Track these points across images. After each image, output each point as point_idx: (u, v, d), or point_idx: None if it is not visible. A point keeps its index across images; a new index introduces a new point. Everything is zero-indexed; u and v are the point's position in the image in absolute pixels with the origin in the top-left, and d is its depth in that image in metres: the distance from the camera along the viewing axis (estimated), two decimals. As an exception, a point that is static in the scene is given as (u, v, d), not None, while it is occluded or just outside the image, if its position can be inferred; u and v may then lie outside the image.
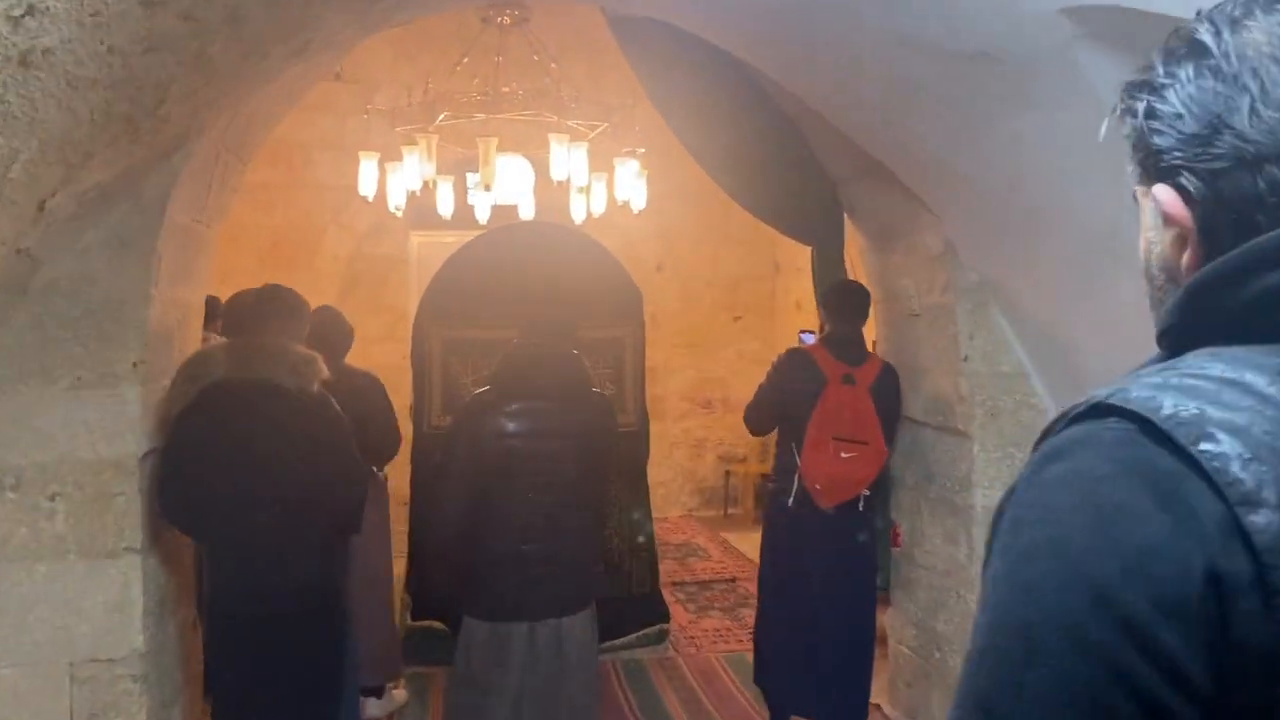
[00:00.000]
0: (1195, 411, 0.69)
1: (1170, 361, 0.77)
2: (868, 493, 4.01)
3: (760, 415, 4.14)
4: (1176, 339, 0.80)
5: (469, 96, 6.11)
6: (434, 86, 6.05)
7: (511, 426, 3.22)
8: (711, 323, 9.21)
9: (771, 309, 9.29)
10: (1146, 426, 0.70)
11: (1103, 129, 0.89)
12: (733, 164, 4.60)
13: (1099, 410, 0.73)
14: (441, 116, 6.10)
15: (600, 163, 6.79)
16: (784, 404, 4.00)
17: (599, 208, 6.93)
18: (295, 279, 8.15)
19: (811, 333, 4.38)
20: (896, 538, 4.34)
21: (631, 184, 6.60)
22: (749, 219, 9.59)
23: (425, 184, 5.98)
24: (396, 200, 6.59)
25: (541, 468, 3.24)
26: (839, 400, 3.92)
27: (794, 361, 4.01)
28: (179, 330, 3.75)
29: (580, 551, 3.34)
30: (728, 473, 9.07)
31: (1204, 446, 0.67)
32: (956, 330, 3.88)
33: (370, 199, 6.49)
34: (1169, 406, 0.70)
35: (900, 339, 4.32)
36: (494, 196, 6.37)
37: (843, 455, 3.87)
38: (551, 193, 7.79)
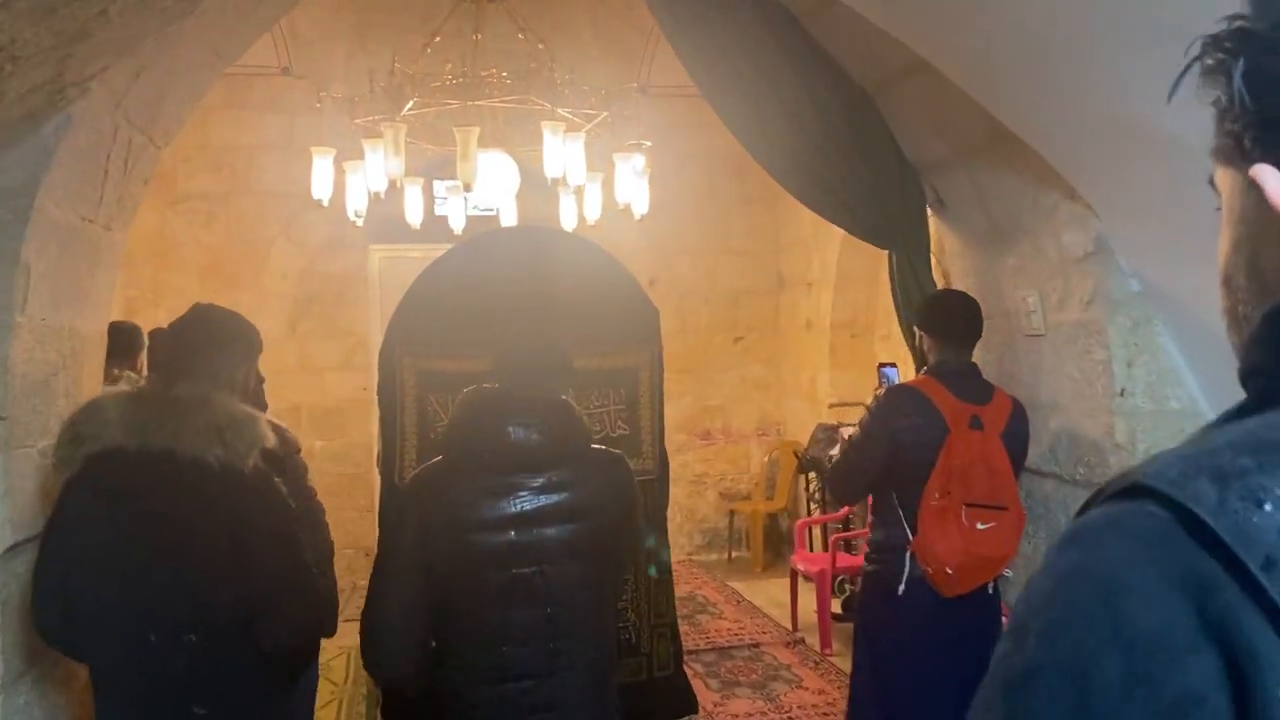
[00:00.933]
0: (1268, 509, 0.54)
1: (1254, 418, 0.61)
2: (1009, 573, 3.06)
3: (855, 479, 3.15)
4: (1269, 383, 0.64)
5: (441, 81, 5.11)
6: (401, 67, 5.05)
7: (476, 514, 2.22)
8: (710, 344, 8.26)
9: (776, 328, 8.35)
10: (1188, 518, 0.55)
11: (1173, 88, 0.69)
12: (790, 152, 3.66)
13: (1135, 490, 0.59)
14: (410, 104, 5.10)
15: (593, 160, 5.81)
16: (891, 460, 3.03)
17: (594, 213, 5.95)
18: (238, 300, 7.11)
19: (893, 366, 3.41)
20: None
21: (633, 184, 5.63)
22: (750, 227, 8.79)
23: (392, 184, 4.96)
24: (356, 205, 5.57)
25: (525, 572, 2.24)
26: (968, 452, 2.97)
27: (902, 402, 3.05)
28: (65, 371, 2.72)
29: (590, 690, 2.32)
30: (731, 512, 8.10)
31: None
32: (1108, 355, 2.95)
33: (325, 204, 5.46)
34: (1228, 496, 0.55)
35: (1013, 367, 3.39)
36: (472, 201, 5.38)
37: (979, 526, 2.92)
38: (533, 198, 6.82)
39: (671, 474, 7.98)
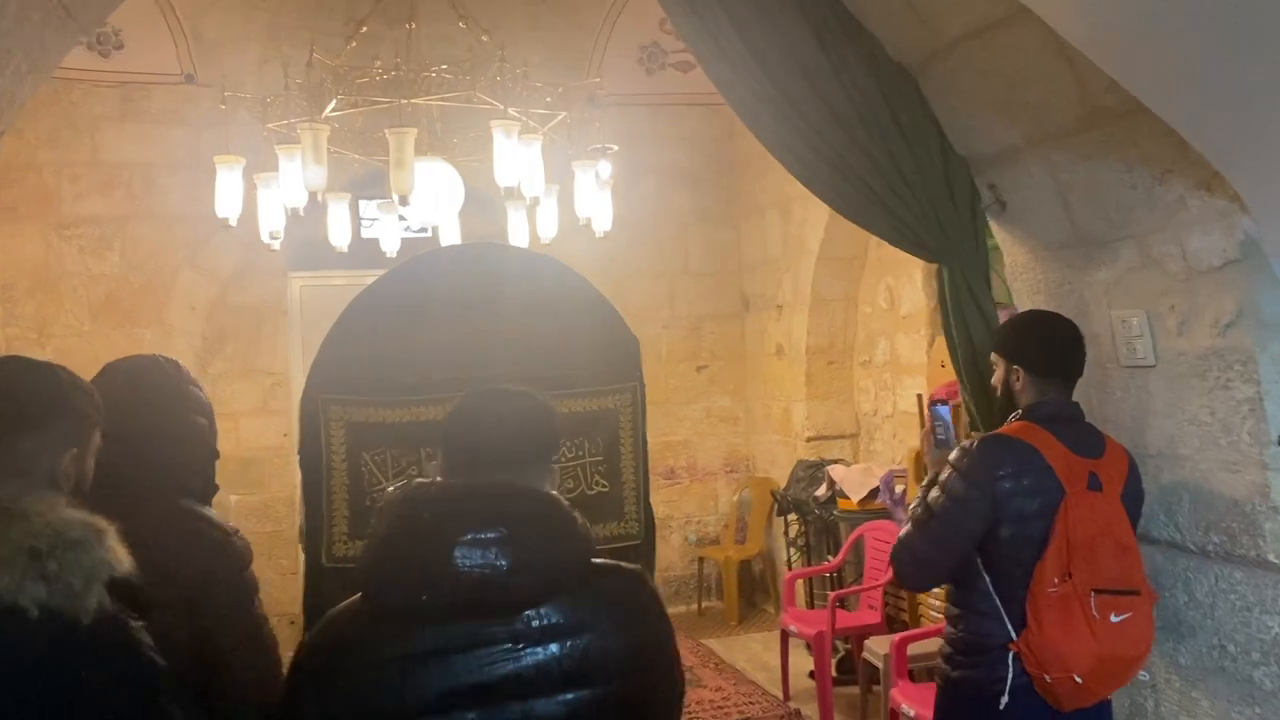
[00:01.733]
0: None
1: None
2: (1145, 675, 2.35)
3: (939, 559, 2.39)
4: None
5: (370, 76, 4.32)
6: (321, 58, 4.25)
7: (411, 693, 1.45)
8: (671, 374, 7.53)
9: (742, 355, 7.66)
10: None
11: None
12: (816, 140, 2.94)
13: None
14: (332, 104, 4.30)
15: (548, 170, 5.06)
16: (989, 534, 2.32)
17: (550, 230, 5.19)
18: (139, 338, 6.17)
19: (945, 403, 2.70)
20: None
21: (595, 196, 4.88)
22: (711, 246, 8.03)
23: (313, 199, 4.14)
24: (271, 225, 4.74)
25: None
26: (1091, 521, 2.28)
27: (1004, 456, 2.34)
28: None
29: None
30: (700, 559, 7.36)
31: None
32: (1257, 392, 2.29)
33: (233, 224, 4.61)
34: None
35: (1107, 408, 2.70)
36: (408, 219, 4.60)
37: (1113, 619, 2.21)
38: (477, 217, 6.03)
39: (633, 519, 7.23)
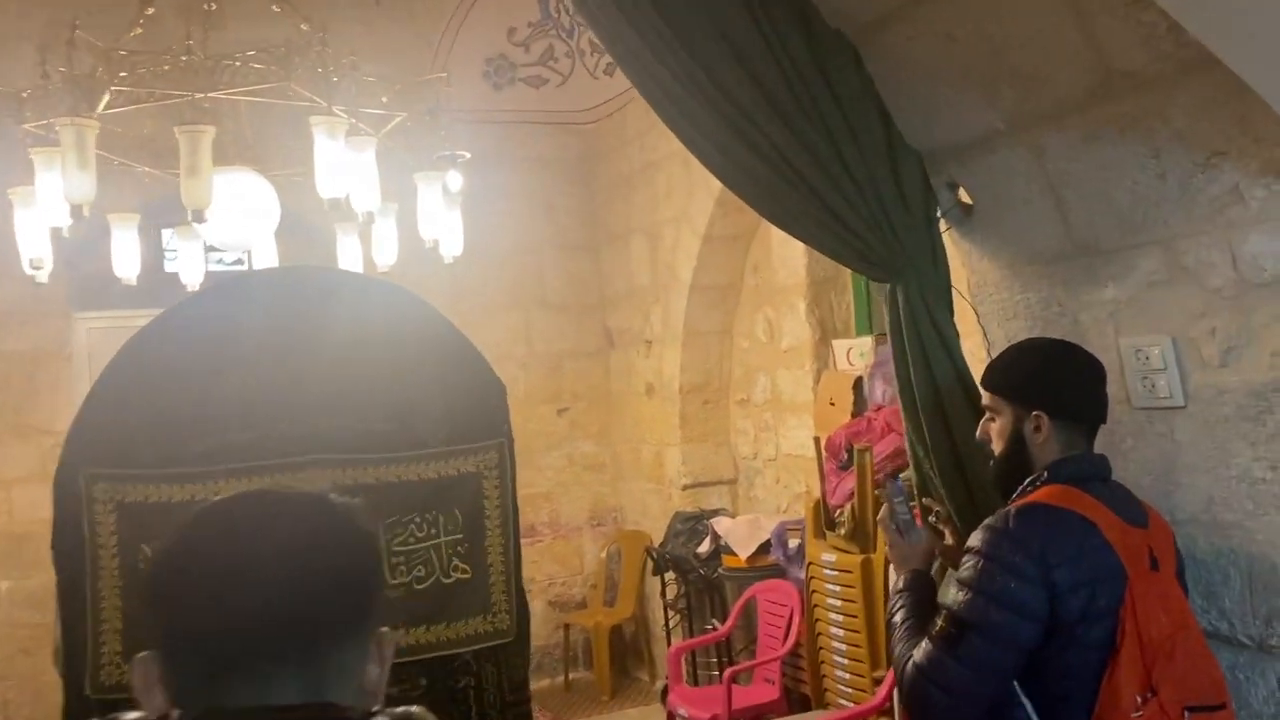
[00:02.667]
0: None
1: None
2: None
3: (982, 685, 1.68)
4: None
5: (157, 68, 3.45)
6: (86, 36, 3.36)
7: None
8: (530, 418, 6.74)
9: (607, 396, 6.96)
10: None
11: None
12: (738, 124, 2.28)
13: None
14: (106, 98, 3.40)
15: (385, 186, 4.27)
16: (1042, 638, 1.67)
17: (388, 256, 4.39)
18: None
19: (897, 476, 2.06)
20: None
21: (443, 215, 4.11)
22: (570, 277, 7.25)
23: (94, 219, 3.21)
24: (32, 251, 3.77)
25: None
26: (1165, 613, 1.68)
27: (1051, 535, 1.70)
28: None
29: None
30: (565, 625, 6.58)
31: None
32: (1341, 440, 1.73)
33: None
34: None
35: (1118, 460, 2.11)
36: (212, 244, 3.72)
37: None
38: (297, 242, 5.16)
39: (489, 584, 6.41)
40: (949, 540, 2.16)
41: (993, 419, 1.93)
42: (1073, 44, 1.89)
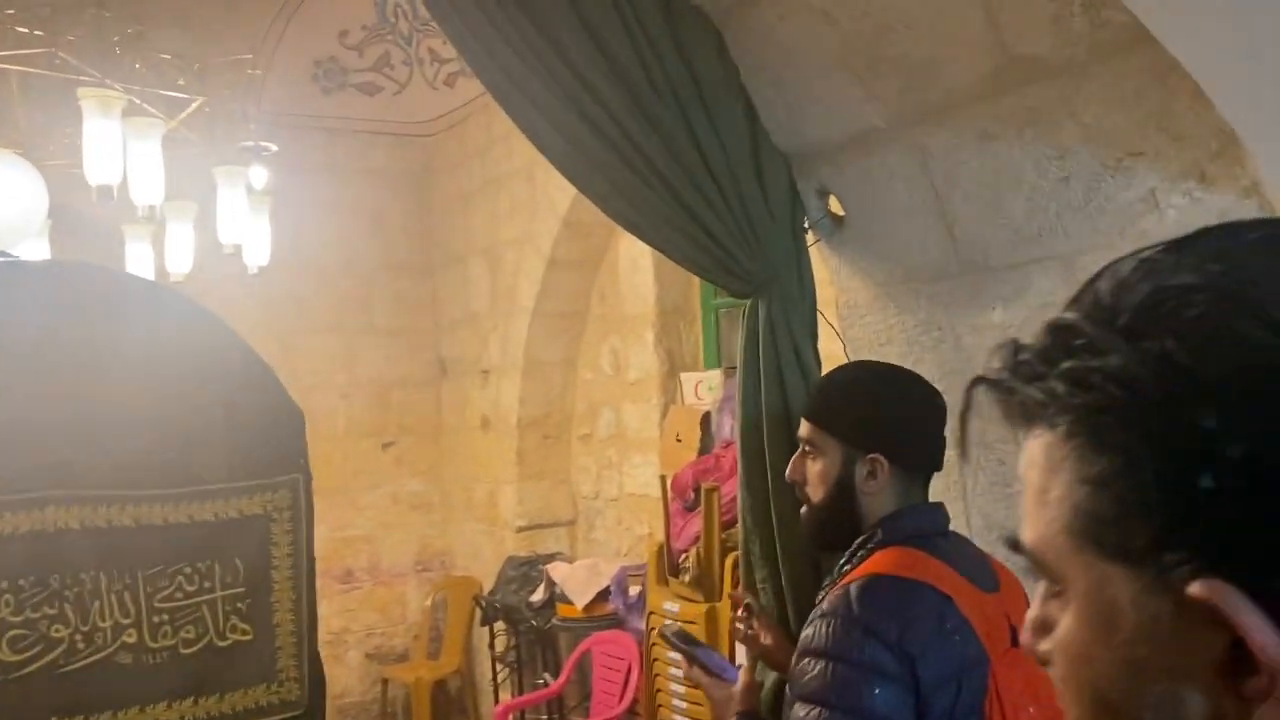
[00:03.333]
0: None
1: None
2: None
3: None
4: None
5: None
6: None
7: None
8: (350, 453, 6.21)
9: (438, 429, 6.48)
10: None
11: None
12: (587, 107, 1.94)
13: None
14: None
15: (183, 183, 3.75)
16: None
17: (183, 263, 3.84)
18: None
19: (673, 629, 1.72)
20: None
21: (245, 217, 3.62)
22: (400, 300, 6.65)
23: None
24: None
25: None
26: (1034, 701, 1.38)
27: (909, 617, 1.37)
28: None
29: None
30: (384, 680, 6.01)
31: None
32: None
33: None
34: None
35: (1003, 509, 1.86)
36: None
37: None
38: (79, 245, 4.53)
39: (300, 635, 5.80)
40: (765, 639, 1.82)
41: (813, 457, 1.57)
42: (972, 24, 1.63)
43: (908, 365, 1.98)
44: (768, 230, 2.04)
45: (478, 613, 5.68)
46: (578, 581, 4.84)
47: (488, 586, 5.67)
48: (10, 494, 2.30)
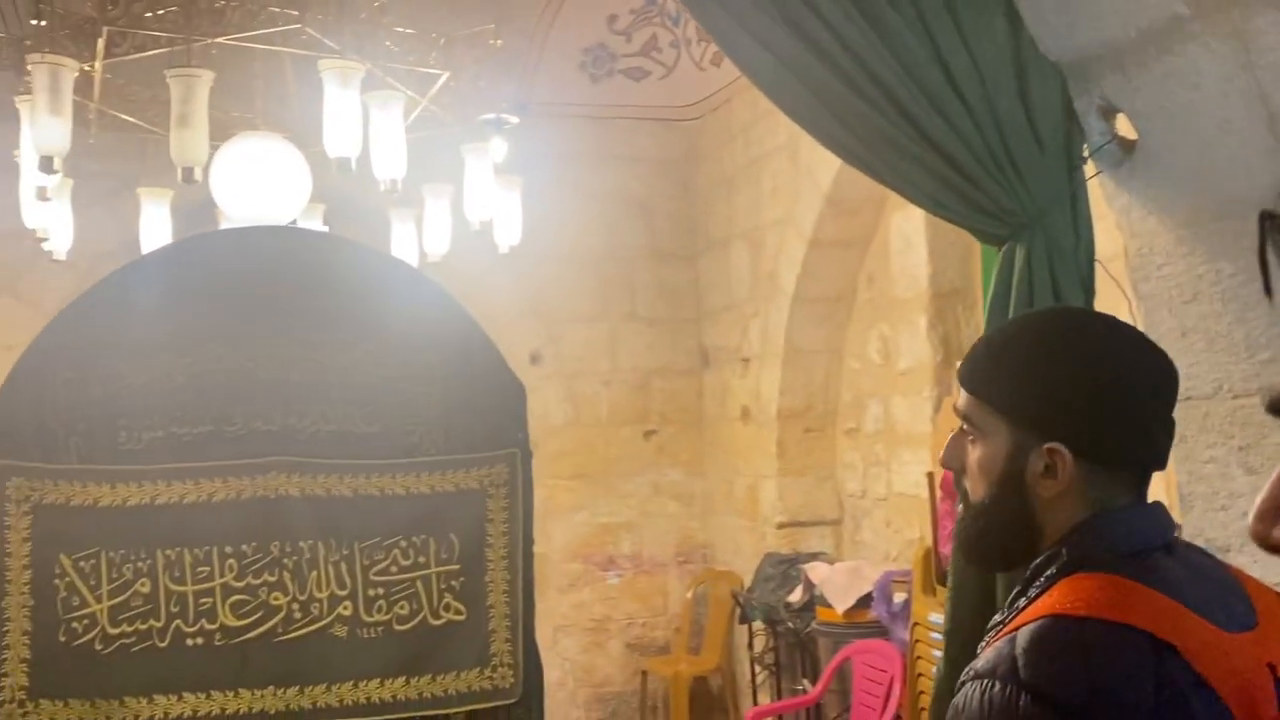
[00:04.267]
0: None
1: None
2: None
3: None
4: None
5: (157, 7, 3.01)
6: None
7: None
8: (612, 440, 6.17)
9: (699, 419, 6.32)
10: None
11: None
12: (800, 47, 1.64)
13: None
14: (101, 44, 2.99)
15: (434, 162, 3.78)
16: None
17: (439, 243, 3.87)
18: None
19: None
20: None
21: (494, 191, 3.58)
22: (663, 288, 6.55)
23: (46, 162, 2.77)
24: (35, 220, 3.40)
25: None
26: None
27: (1093, 678, 0.93)
28: None
29: None
30: (644, 673, 5.92)
31: None
32: None
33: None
34: None
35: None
36: (227, 207, 3.26)
37: None
38: (348, 226, 4.70)
39: (560, 620, 5.82)
40: None
41: (973, 440, 1.14)
42: None
43: (1221, 328, 1.54)
44: (1033, 160, 1.65)
45: (737, 610, 5.46)
46: (838, 584, 4.49)
47: (747, 582, 5.43)
48: (236, 459, 2.32)
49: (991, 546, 1.14)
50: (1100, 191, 1.72)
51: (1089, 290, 1.67)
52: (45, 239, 3.45)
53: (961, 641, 1.47)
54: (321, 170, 3.54)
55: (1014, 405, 1.09)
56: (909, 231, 4.70)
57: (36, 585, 2.20)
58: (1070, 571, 1.03)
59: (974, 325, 4.66)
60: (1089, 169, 1.71)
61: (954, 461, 1.15)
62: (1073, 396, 1.07)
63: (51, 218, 3.37)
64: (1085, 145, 1.70)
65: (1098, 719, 0.92)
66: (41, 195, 3.02)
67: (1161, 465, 1.09)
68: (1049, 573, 1.05)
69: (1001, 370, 1.11)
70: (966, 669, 1.00)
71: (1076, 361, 1.08)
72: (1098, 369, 1.07)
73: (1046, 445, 1.06)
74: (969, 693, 0.98)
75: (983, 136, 1.63)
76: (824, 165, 4.90)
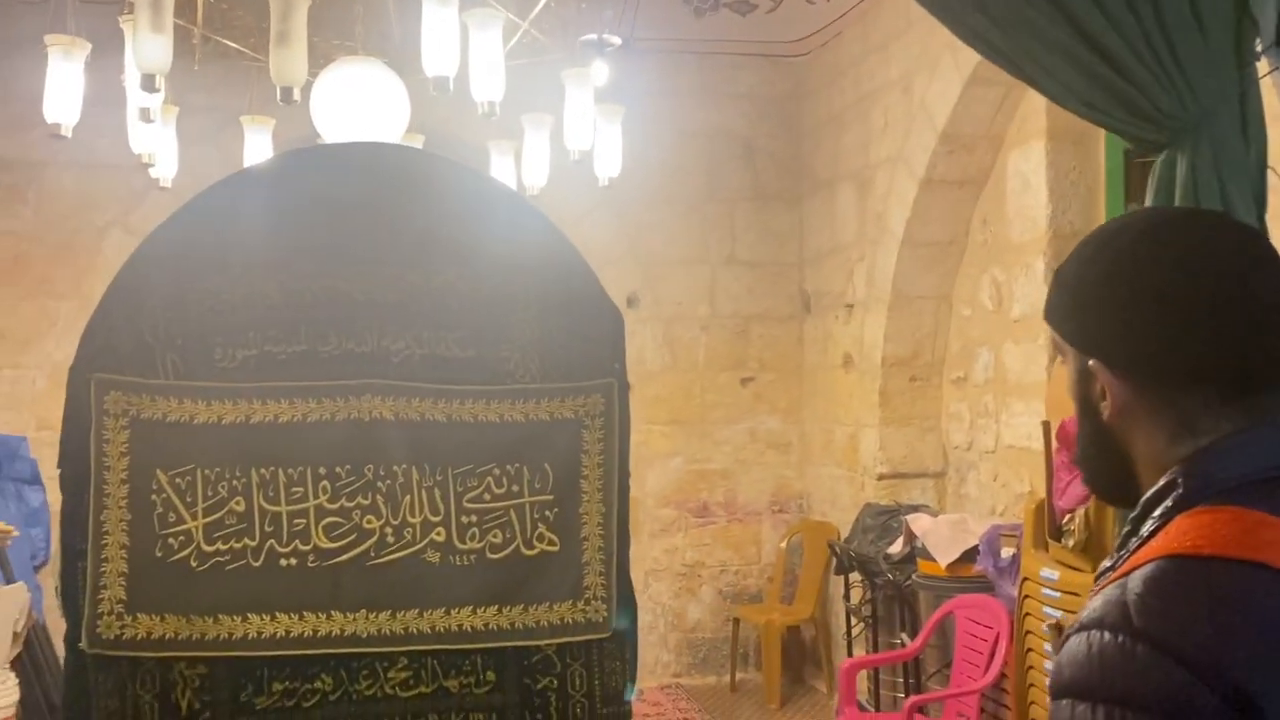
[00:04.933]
0: None
1: None
2: None
3: None
4: None
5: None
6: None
7: None
8: (709, 387, 6.07)
9: (799, 366, 6.16)
10: None
11: None
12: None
13: None
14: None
15: (533, 91, 3.68)
16: None
17: (538, 175, 3.79)
18: (55, 311, 5.07)
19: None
20: None
21: (593, 122, 3.47)
22: (765, 231, 6.25)
23: (149, 81, 2.75)
24: (140, 143, 3.41)
25: None
26: None
27: (1217, 622, 0.80)
28: None
29: None
30: (736, 620, 5.85)
31: None
32: None
33: (65, 132, 3.29)
34: None
35: None
36: (323, 127, 3.22)
37: None
38: (448, 152, 4.65)
39: (652, 565, 5.76)
40: None
41: (1064, 364, 1.03)
42: None
43: None
44: (1197, 55, 1.47)
45: (833, 561, 5.34)
46: (941, 537, 4.32)
47: (844, 534, 5.30)
48: (330, 379, 2.28)
49: (1096, 475, 1.03)
50: (1275, 92, 1.53)
51: (1261, 203, 1.49)
52: (151, 164, 3.47)
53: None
54: (421, 102, 3.49)
55: (1058, 321, 1.00)
56: (1027, 170, 4.45)
57: (134, 500, 2.20)
58: (1187, 506, 0.90)
59: (1096, 270, 4.40)
60: (1262, 66, 1.51)
61: (1068, 391, 1.03)
62: (1106, 309, 0.94)
63: (156, 142, 3.38)
64: (1258, 39, 1.50)
65: (1226, 671, 0.78)
66: (145, 116, 3.02)
67: (1270, 378, 0.92)
68: (1162, 509, 0.92)
69: (1055, 286, 1.01)
70: (1072, 622, 0.87)
71: (1117, 272, 0.94)
72: (1141, 276, 0.92)
73: (1090, 361, 0.95)
74: (1074, 646, 0.85)
75: (1140, 25, 1.45)
76: (940, 100, 4.66)
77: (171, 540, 2.21)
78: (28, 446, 4.90)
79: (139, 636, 2.18)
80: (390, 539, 2.27)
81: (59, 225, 5.45)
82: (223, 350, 2.24)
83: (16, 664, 3.59)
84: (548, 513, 2.35)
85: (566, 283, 2.40)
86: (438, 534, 2.30)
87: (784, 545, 5.94)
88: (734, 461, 6.07)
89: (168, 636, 2.18)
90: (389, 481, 2.28)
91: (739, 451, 6.07)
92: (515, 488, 2.34)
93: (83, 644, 2.17)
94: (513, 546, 2.34)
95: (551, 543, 2.35)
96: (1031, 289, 4.48)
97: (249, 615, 2.21)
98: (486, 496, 2.33)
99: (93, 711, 2.20)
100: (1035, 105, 4.34)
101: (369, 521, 2.27)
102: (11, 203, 5.42)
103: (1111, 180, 4.25)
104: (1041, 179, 4.33)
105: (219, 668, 2.20)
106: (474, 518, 2.32)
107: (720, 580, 6.04)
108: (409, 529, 2.28)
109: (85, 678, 2.20)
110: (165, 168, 3.60)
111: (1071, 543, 3.42)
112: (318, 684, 2.24)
